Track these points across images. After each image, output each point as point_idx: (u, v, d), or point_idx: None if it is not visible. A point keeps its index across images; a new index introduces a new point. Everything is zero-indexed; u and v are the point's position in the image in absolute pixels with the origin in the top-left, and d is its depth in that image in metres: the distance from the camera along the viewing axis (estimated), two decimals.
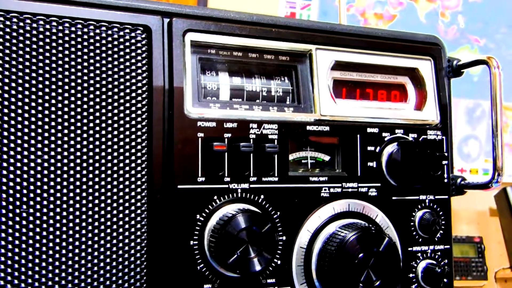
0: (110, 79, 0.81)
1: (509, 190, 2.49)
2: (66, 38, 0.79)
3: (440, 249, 1.02)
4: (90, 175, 0.79)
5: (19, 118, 0.76)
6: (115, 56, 0.82)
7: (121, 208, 0.81)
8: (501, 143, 0.99)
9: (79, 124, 0.79)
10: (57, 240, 0.77)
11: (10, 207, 0.74)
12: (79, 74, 0.79)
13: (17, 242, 0.75)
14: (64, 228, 0.77)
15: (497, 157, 0.99)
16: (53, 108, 0.77)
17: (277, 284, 0.89)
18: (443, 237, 1.02)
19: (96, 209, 0.79)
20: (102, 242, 0.79)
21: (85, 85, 0.80)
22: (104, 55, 0.81)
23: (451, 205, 1.03)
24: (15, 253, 0.74)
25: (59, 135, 0.78)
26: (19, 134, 0.75)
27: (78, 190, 0.78)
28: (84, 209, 0.78)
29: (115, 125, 0.81)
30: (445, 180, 1.03)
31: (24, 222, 0.75)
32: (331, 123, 0.95)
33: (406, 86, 1.05)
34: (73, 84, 0.79)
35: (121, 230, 0.80)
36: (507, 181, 2.66)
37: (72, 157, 0.78)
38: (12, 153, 0.75)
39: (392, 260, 0.89)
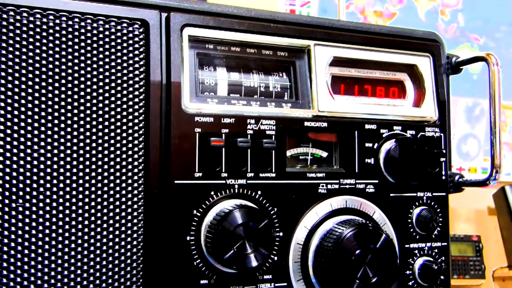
0: (107, 73, 0.81)
1: (508, 189, 2.49)
2: (63, 32, 0.79)
3: (437, 246, 1.01)
4: (87, 170, 0.79)
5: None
6: (112, 50, 0.82)
7: (117, 203, 0.80)
8: (499, 140, 0.99)
9: (75, 118, 0.78)
10: (53, 235, 0.76)
11: (6, 206, 0.74)
12: (76, 68, 0.79)
13: (12, 236, 0.74)
14: (60, 223, 0.77)
15: (495, 154, 0.99)
16: (49, 102, 0.77)
17: (273, 280, 0.89)
18: (440, 234, 1.02)
19: (93, 204, 0.79)
20: (98, 237, 0.79)
21: (82, 79, 0.79)
22: (101, 49, 0.81)
23: (448, 202, 1.03)
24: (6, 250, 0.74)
25: (56, 129, 0.77)
26: (16, 128, 0.75)
27: (74, 185, 0.78)
28: (80, 203, 0.78)
29: (112, 120, 0.81)
30: (443, 177, 1.02)
31: (20, 217, 0.75)
32: (329, 119, 0.95)
33: (405, 82, 1.04)
34: (69, 78, 0.78)
35: (117, 225, 0.80)
36: (505, 180, 2.66)
37: (68, 151, 0.78)
38: (8, 147, 0.75)
39: (389, 257, 0.88)
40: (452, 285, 1.03)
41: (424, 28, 1.09)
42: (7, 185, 0.74)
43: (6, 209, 0.74)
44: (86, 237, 0.78)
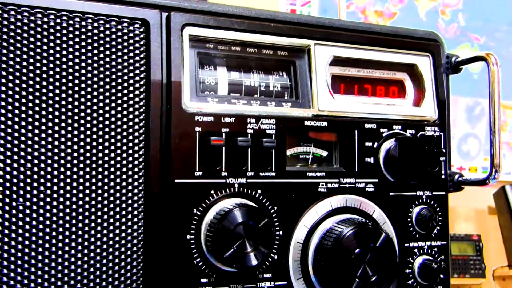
0: (108, 72, 0.81)
1: (508, 189, 2.49)
2: (64, 32, 0.79)
3: (437, 245, 1.02)
4: (87, 169, 0.79)
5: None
6: (113, 49, 0.82)
7: (118, 202, 0.81)
8: (498, 140, 0.99)
9: (76, 117, 0.79)
10: (53, 234, 0.77)
11: (6, 206, 0.75)
12: (76, 67, 0.79)
13: (13, 234, 0.75)
14: (61, 222, 0.77)
15: (495, 154, 0.99)
16: (50, 102, 0.77)
17: (273, 279, 0.89)
18: (440, 233, 1.02)
19: (93, 202, 0.79)
20: (98, 235, 0.79)
21: (83, 78, 0.79)
22: (102, 48, 0.81)
23: (448, 201, 1.03)
24: (10, 250, 0.75)
25: (56, 128, 0.77)
26: (16, 127, 0.76)
27: (74, 184, 0.78)
28: (80, 202, 0.78)
29: (113, 119, 0.81)
30: (443, 176, 1.03)
31: (20, 215, 0.75)
32: (329, 119, 0.95)
33: (405, 82, 1.05)
34: (70, 77, 0.79)
35: (118, 224, 0.80)
36: (506, 180, 2.66)
37: (69, 150, 0.78)
38: (8, 146, 0.75)
39: (389, 255, 0.89)
40: (452, 284, 1.03)
41: (425, 27, 1.09)
42: (8, 184, 0.75)
43: (7, 207, 0.74)
44: (86, 236, 0.78)
